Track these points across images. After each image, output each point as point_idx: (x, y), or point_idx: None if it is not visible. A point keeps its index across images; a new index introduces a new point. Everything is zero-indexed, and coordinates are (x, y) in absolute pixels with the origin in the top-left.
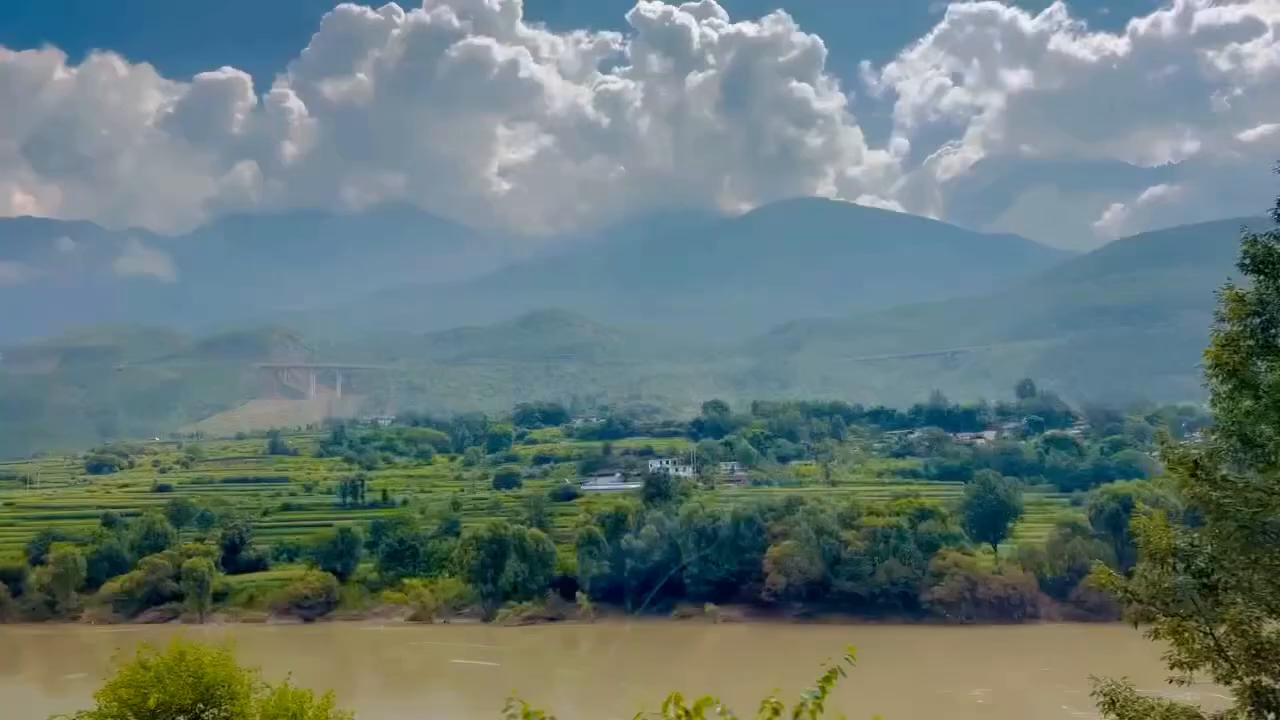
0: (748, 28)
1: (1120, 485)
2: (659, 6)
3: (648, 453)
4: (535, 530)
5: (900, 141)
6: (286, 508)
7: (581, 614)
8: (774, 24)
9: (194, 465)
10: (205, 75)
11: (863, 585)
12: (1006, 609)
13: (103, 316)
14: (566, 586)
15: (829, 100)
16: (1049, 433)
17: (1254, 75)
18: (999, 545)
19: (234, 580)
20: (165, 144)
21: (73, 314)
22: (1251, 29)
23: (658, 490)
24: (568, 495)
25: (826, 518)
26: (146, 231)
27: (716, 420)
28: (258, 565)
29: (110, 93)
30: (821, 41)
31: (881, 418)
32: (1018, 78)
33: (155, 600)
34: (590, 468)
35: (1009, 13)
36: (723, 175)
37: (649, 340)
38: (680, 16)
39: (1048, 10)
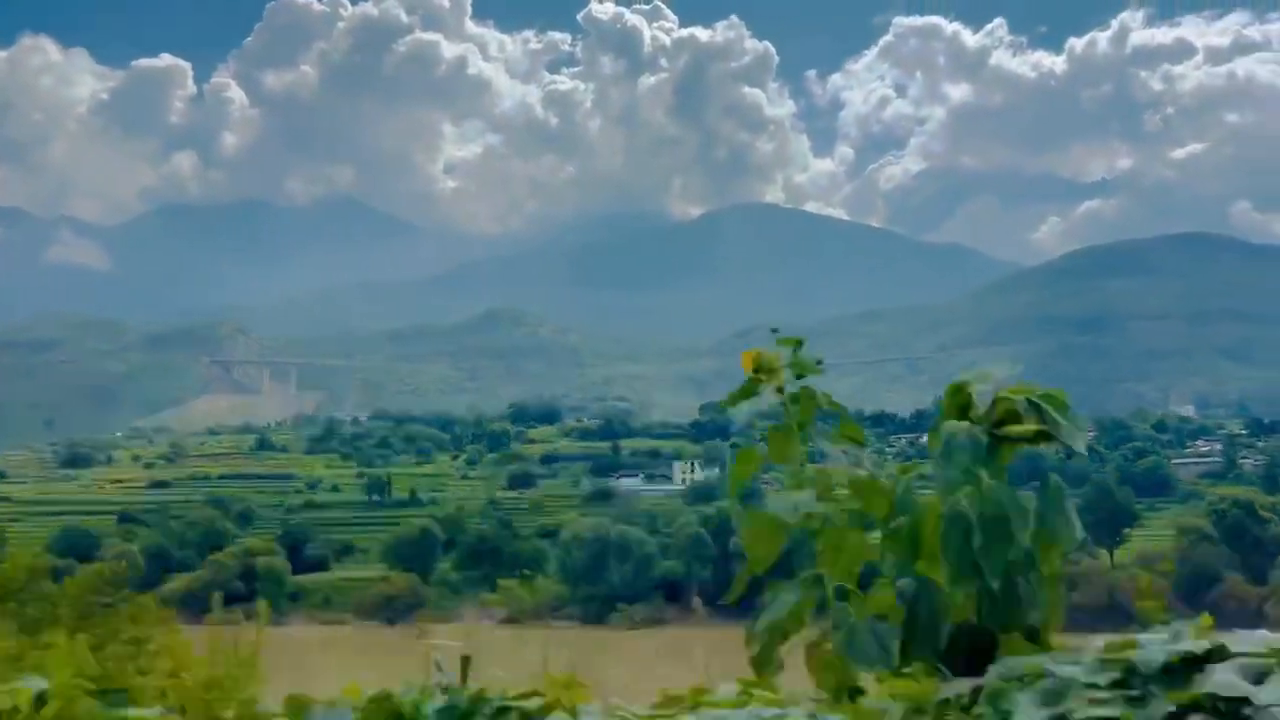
0: (701, 32)
1: (1235, 490)
2: (610, 8)
3: (656, 454)
4: (638, 531)
5: (845, 150)
6: (310, 506)
7: (695, 618)
8: (727, 29)
9: (180, 461)
10: (143, 62)
11: None
12: (1142, 616)
13: (34, 306)
14: (670, 589)
15: (780, 107)
16: None
17: (1184, 96)
18: (1114, 552)
19: (303, 581)
20: (99, 131)
21: (2, 303)
22: (1183, 51)
23: (750, 492)
24: (606, 496)
25: None
26: (79, 220)
27: (715, 421)
28: (318, 565)
29: (42, 77)
30: (774, 48)
31: (885, 421)
32: (959, 91)
33: (222, 601)
34: (603, 468)
35: (952, 27)
36: (673, 178)
37: (608, 341)
38: (632, 19)
39: (989, 26)
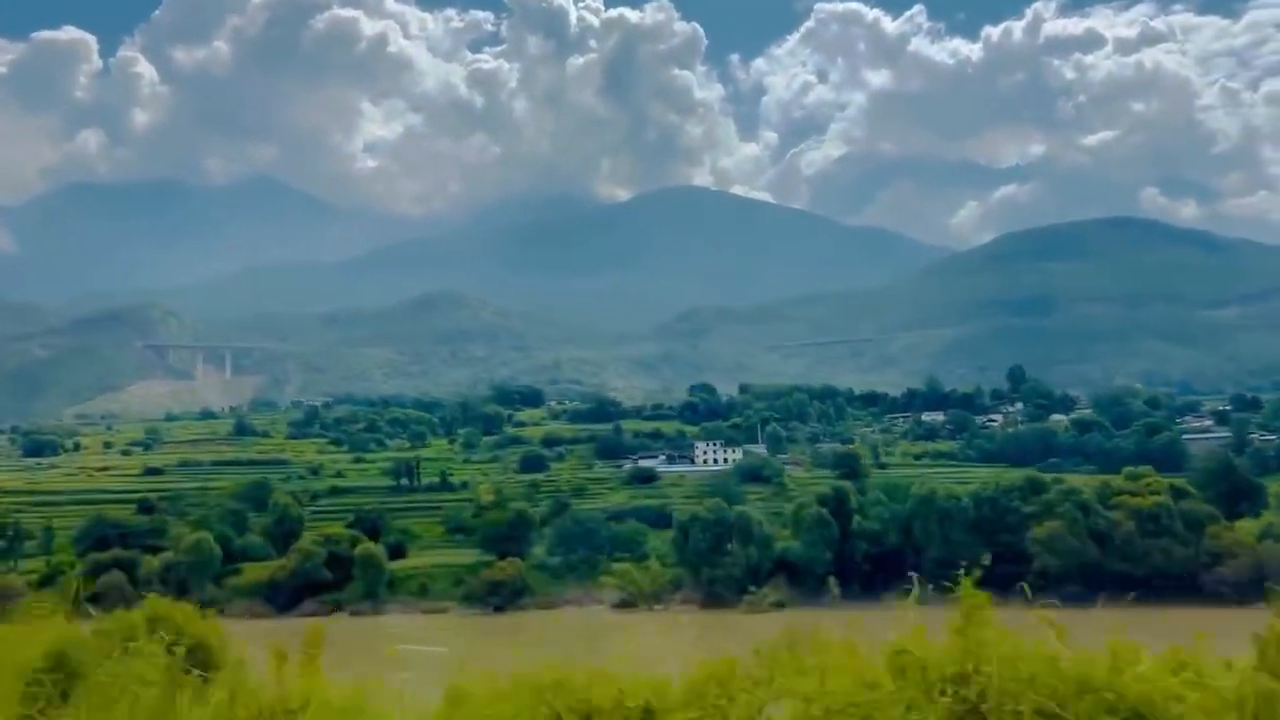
0: (630, 13)
1: None
2: None
3: (658, 434)
4: (755, 512)
5: (768, 135)
6: (336, 491)
7: (829, 601)
8: (656, 11)
9: (158, 448)
10: (43, 34)
11: (1138, 567)
12: None
13: None
14: (789, 572)
15: (709, 90)
16: (1060, 416)
17: (1095, 84)
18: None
19: (394, 568)
20: None
21: None
22: (1093, 41)
23: (851, 471)
24: (646, 478)
25: (1087, 497)
26: None
27: (708, 401)
28: (396, 552)
29: None
30: (702, 30)
31: (878, 400)
32: (879, 77)
33: (311, 590)
34: (608, 451)
35: (872, 13)
36: (600, 160)
37: (550, 325)
38: None
39: (909, 13)
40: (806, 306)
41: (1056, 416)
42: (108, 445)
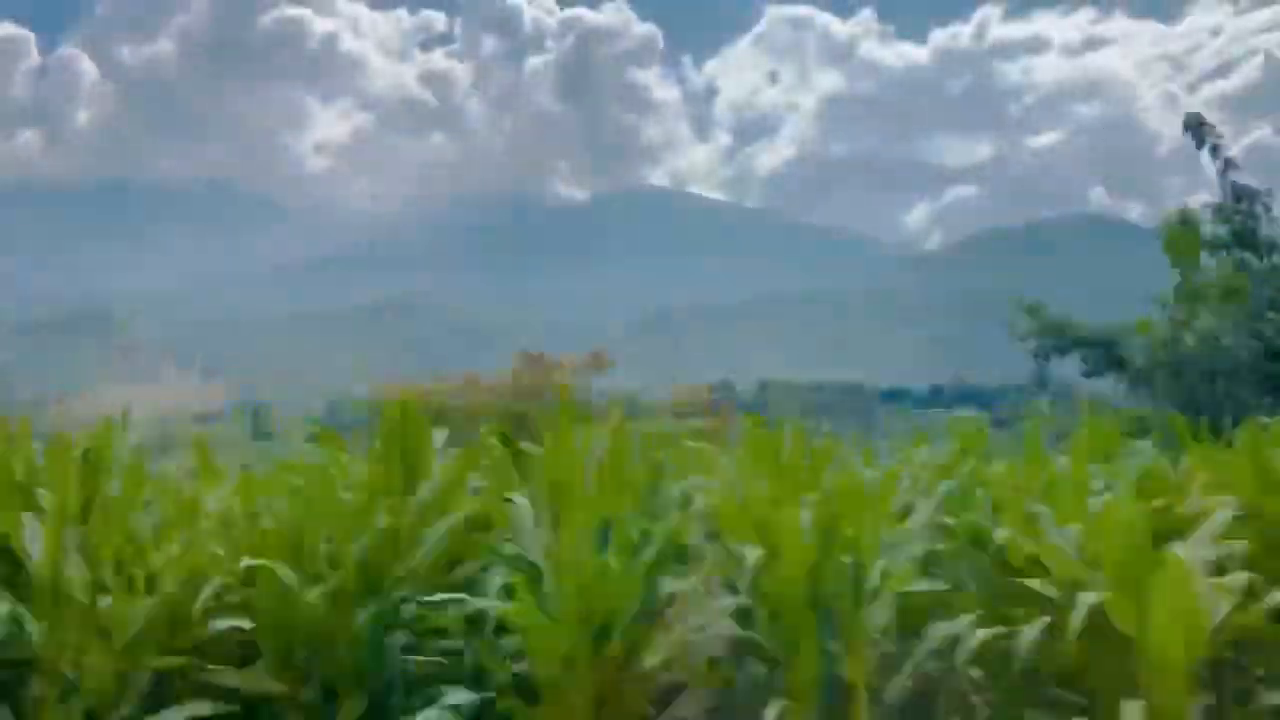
0: (587, 13)
1: None
2: None
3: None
4: None
5: (721, 136)
6: None
7: None
8: (615, 11)
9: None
10: None
11: None
12: None
13: None
14: None
15: (668, 90)
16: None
17: (1042, 87)
18: None
19: None
20: None
21: None
22: (1039, 45)
23: None
24: None
25: None
26: None
27: (731, 399)
28: None
29: None
30: (659, 31)
31: (900, 396)
32: (829, 80)
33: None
34: None
35: (822, 17)
36: (558, 161)
37: (516, 326)
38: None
39: (858, 17)
40: (777, 305)
41: None
42: None
